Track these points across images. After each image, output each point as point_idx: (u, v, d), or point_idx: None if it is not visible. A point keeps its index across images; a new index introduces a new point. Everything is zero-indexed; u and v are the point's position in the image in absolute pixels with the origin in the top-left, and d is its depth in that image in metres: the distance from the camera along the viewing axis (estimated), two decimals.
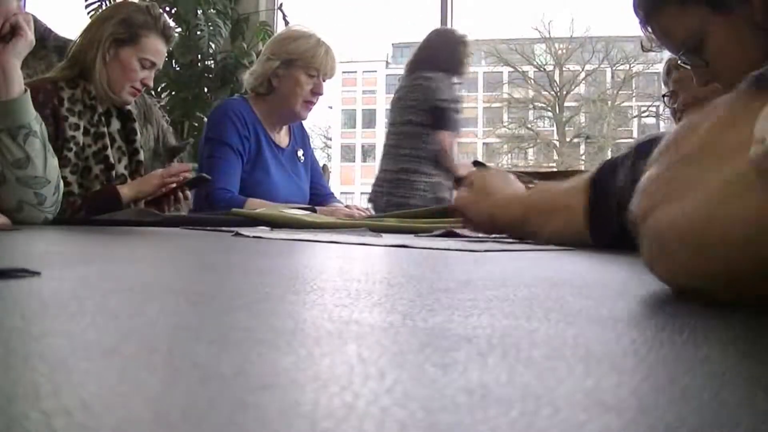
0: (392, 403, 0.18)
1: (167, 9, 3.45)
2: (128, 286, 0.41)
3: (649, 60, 17.34)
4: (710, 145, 0.41)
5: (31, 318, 0.29)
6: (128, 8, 1.87)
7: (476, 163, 1.99)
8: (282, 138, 2.39)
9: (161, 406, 0.17)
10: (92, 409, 0.16)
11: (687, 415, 0.17)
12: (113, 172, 1.83)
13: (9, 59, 1.39)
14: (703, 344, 0.27)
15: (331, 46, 2.30)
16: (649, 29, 1.23)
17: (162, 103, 2.77)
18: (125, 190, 1.76)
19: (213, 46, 3.57)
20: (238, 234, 1.11)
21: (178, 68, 3.59)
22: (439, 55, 3.22)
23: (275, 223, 1.45)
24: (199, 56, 3.58)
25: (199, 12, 3.53)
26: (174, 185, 1.81)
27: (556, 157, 19.99)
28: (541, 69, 20.71)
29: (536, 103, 21.02)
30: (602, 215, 0.96)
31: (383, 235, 1.23)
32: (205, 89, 3.60)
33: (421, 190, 3.16)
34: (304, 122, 2.49)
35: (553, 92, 20.40)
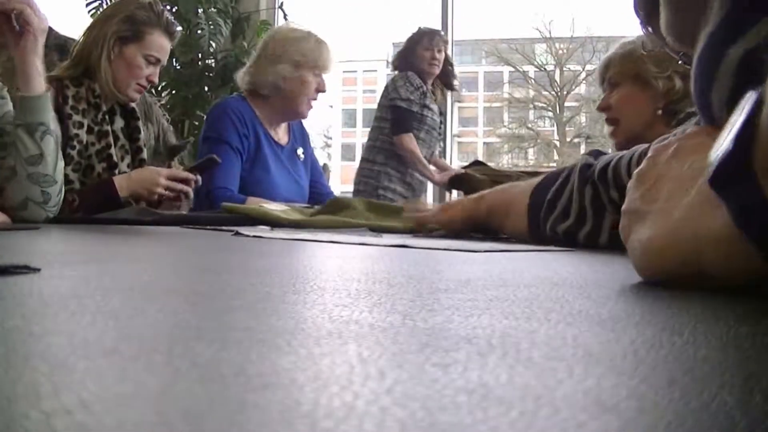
0: (392, 403, 0.18)
1: (168, 8, 3.45)
2: (128, 285, 0.41)
3: None
4: (662, 178, 0.51)
5: (31, 317, 0.29)
6: (131, 5, 1.87)
7: (476, 163, 2.01)
8: (281, 136, 2.39)
9: (161, 406, 0.17)
10: (92, 409, 0.16)
11: (687, 415, 0.17)
12: (116, 171, 1.82)
13: (23, 56, 1.40)
14: (703, 344, 0.27)
15: (326, 41, 2.33)
16: (650, 29, 1.23)
17: (162, 102, 2.78)
18: (121, 182, 1.74)
19: (213, 44, 3.57)
20: (238, 234, 1.11)
21: (178, 67, 3.58)
22: (403, 55, 3.46)
23: (274, 223, 1.45)
24: (200, 55, 3.58)
25: (200, 11, 3.53)
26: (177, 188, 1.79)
27: (556, 157, 19.98)
28: (542, 69, 20.70)
29: (537, 103, 21.02)
30: (535, 222, 1.06)
31: (383, 235, 1.23)
32: (206, 88, 3.60)
33: (365, 177, 3.42)
34: (303, 121, 2.50)
35: (553, 92, 20.39)
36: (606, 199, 0.95)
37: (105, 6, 3.30)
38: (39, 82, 1.42)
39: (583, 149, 20.31)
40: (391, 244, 0.92)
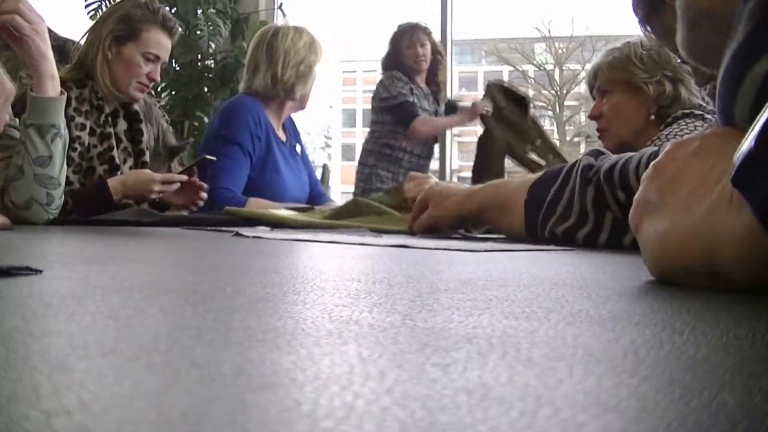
0: (392, 403, 0.18)
1: (167, 8, 3.45)
2: (128, 286, 0.41)
3: None
4: (682, 172, 0.50)
5: (31, 317, 0.29)
6: (126, 5, 1.87)
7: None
8: (281, 134, 2.40)
9: (161, 406, 0.17)
10: (92, 409, 0.16)
11: (687, 415, 0.17)
12: (118, 173, 1.82)
13: (29, 60, 1.41)
14: (703, 344, 0.27)
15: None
16: (648, 29, 1.23)
17: (162, 103, 2.77)
18: (116, 185, 1.74)
19: (213, 45, 3.57)
20: (238, 234, 1.11)
21: (177, 68, 3.58)
22: (389, 56, 3.47)
23: (274, 223, 1.45)
24: (199, 56, 3.58)
25: (199, 11, 3.53)
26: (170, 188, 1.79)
27: None
28: (541, 68, 20.70)
29: (536, 102, 21.01)
30: (533, 220, 1.05)
31: (383, 235, 1.23)
32: (205, 89, 3.60)
33: (359, 180, 3.47)
34: (300, 119, 2.54)
35: (553, 91, 20.39)
36: (612, 200, 0.94)
37: (105, 7, 3.30)
38: (51, 84, 1.43)
39: (583, 148, 20.33)
40: (391, 244, 0.92)
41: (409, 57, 3.38)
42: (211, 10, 3.56)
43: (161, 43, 1.88)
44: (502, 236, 1.18)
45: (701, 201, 0.47)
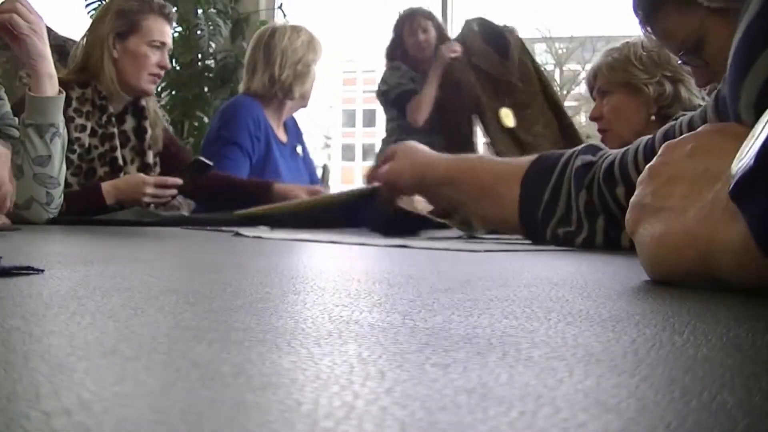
0: (392, 403, 0.18)
1: None
2: (128, 286, 0.41)
3: None
4: (675, 176, 0.50)
5: (31, 318, 0.29)
6: (118, 1, 1.86)
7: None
8: (282, 134, 2.40)
9: (161, 406, 0.17)
10: (92, 409, 0.16)
11: (687, 415, 0.17)
12: (122, 173, 1.81)
13: (27, 60, 1.41)
14: (703, 344, 0.27)
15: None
16: (649, 29, 1.23)
17: (162, 103, 2.77)
18: (109, 188, 1.72)
19: (213, 45, 3.57)
20: (238, 234, 1.11)
21: (178, 68, 3.58)
22: (392, 47, 3.31)
23: (275, 222, 1.45)
24: (199, 56, 3.58)
25: (199, 11, 3.53)
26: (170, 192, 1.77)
27: None
28: (541, 68, 20.69)
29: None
30: (531, 220, 0.99)
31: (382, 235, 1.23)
32: (205, 89, 3.60)
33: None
34: (300, 119, 2.53)
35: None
36: (610, 199, 0.92)
37: None
38: (50, 84, 1.43)
39: None
40: (391, 244, 0.92)
41: (411, 45, 3.20)
42: (211, 10, 3.55)
43: (163, 30, 1.87)
44: (503, 236, 1.16)
45: (694, 204, 0.47)
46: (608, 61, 1.99)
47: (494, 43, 3.19)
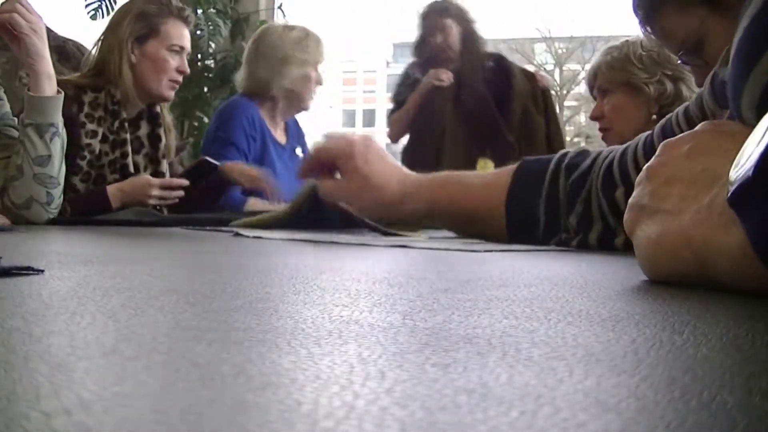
0: (392, 403, 0.18)
1: None
2: (128, 286, 0.41)
3: None
4: (673, 177, 0.50)
5: (31, 318, 0.29)
6: (137, 4, 1.83)
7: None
8: (280, 136, 2.40)
9: (161, 406, 0.17)
10: (92, 409, 0.16)
11: (687, 415, 0.17)
12: None
13: (25, 59, 1.41)
14: (703, 344, 0.27)
15: (317, 33, 2.35)
16: (649, 29, 1.23)
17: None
18: (114, 192, 1.72)
19: (213, 45, 3.57)
20: (237, 234, 1.11)
21: None
22: (418, 48, 3.05)
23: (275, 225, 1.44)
24: (199, 56, 3.57)
25: (199, 11, 3.53)
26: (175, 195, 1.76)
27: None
28: (541, 68, 20.71)
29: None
30: (521, 231, 0.96)
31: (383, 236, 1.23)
32: (205, 89, 3.60)
33: None
34: (301, 120, 2.51)
35: (553, 91, 20.40)
36: (607, 205, 0.89)
37: (105, 6, 3.29)
38: (48, 84, 1.42)
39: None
40: (391, 244, 0.92)
41: (433, 47, 2.91)
42: (211, 10, 3.55)
43: (182, 34, 1.84)
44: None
45: (690, 206, 0.47)
46: (608, 60, 1.99)
47: (496, 90, 2.84)
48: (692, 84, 1.85)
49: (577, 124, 20.51)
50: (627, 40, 1.98)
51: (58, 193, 1.48)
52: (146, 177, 1.75)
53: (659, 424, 0.17)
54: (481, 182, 1.03)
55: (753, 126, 0.40)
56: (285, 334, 0.27)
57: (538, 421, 0.17)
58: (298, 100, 2.33)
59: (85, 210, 1.64)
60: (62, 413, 0.16)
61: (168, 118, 1.93)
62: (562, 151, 0.99)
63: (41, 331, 0.26)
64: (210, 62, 3.65)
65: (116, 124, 1.78)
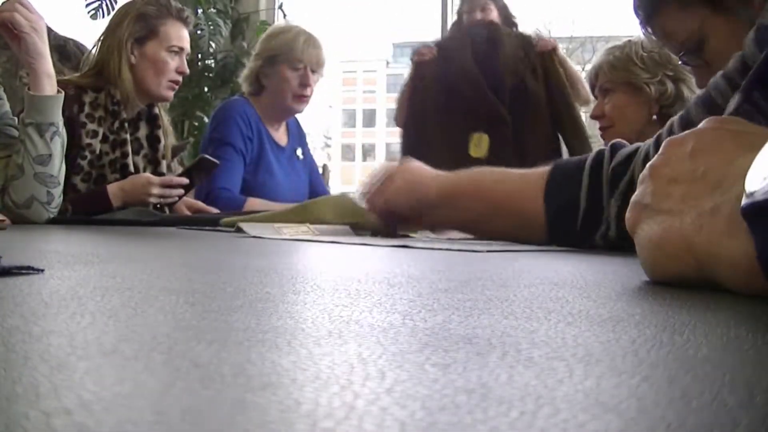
0: (392, 403, 0.18)
1: None
2: (128, 285, 0.41)
3: None
4: (675, 178, 0.49)
5: (31, 317, 0.29)
6: (137, 5, 1.83)
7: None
8: (281, 137, 2.39)
9: (161, 406, 0.17)
10: (92, 409, 0.16)
11: (687, 415, 0.17)
12: None
13: (26, 59, 1.41)
14: (703, 344, 0.27)
15: (315, 36, 2.30)
16: (649, 30, 1.23)
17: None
18: (115, 191, 1.72)
19: (213, 45, 3.57)
20: (239, 230, 1.11)
21: None
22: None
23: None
24: (199, 55, 3.58)
25: (200, 11, 3.53)
26: (174, 195, 1.76)
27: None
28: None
29: None
30: (562, 222, 0.93)
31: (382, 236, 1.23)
32: (206, 89, 3.60)
33: None
34: (301, 120, 2.50)
35: (563, 48, 20.30)
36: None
37: (105, 6, 3.30)
38: (49, 83, 1.43)
39: None
40: (391, 244, 0.92)
41: (470, 22, 2.75)
42: (212, 10, 3.56)
43: (182, 35, 1.84)
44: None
45: (691, 209, 0.47)
46: (610, 60, 1.99)
47: (485, 62, 2.65)
48: (693, 85, 1.85)
49: None
50: (629, 40, 1.98)
51: (58, 192, 1.48)
52: (147, 176, 1.75)
53: (659, 425, 0.17)
54: (512, 174, 1.02)
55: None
56: (285, 334, 0.27)
57: (538, 421, 0.17)
58: (275, 99, 2.29)
59: (86, 209, 1.64)
60: (62, 413, 0.16)
61: (166, 119, 1.94)
62: (601, 148, 0.96)
63: (41, 331, 0.26)
64: (210, 62, 3.65)
65: (116, 124, 1.78)
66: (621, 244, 0.85)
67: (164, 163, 1.87)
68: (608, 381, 0.21)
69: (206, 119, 3.43)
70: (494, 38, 2.68)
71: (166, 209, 1.79)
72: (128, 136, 1.80)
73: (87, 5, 3.38)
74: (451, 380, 0.20)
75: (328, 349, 0.24)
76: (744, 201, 0.38)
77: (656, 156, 0.53)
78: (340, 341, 0.26)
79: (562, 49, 2.82)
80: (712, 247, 0.44)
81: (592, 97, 2.27)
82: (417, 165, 1.11)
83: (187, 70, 1.87)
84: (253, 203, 2.12)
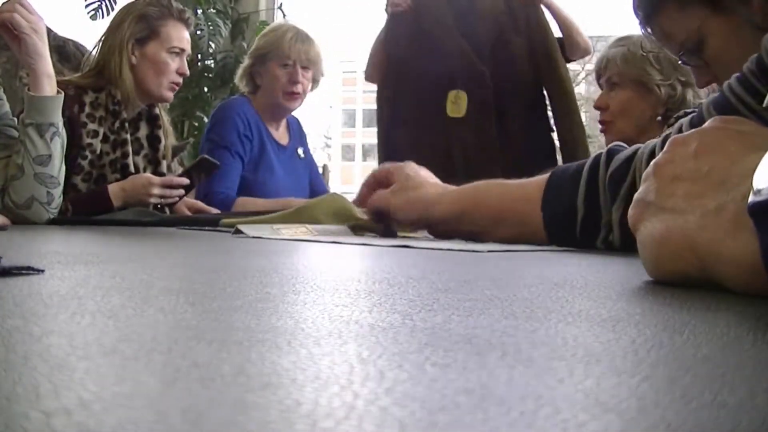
0: (392, 403, 0.18)
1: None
2: (128, 285, 0.41)
3: None
4: (679, 176, 0.49)
5: (31, 317, 0.29)
6: (138, 5, 1.84)
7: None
8: (282, 136, 2.39)
9: (161, 406, 0.17)
10: (92, 409, 0.16)
11: (687, 415, 0.17)
12: None
13: (25, 59, 1.41)
14: (703, 344, 0.27)
15: (304, 32, 2.29)
16: (649, 30, 1.23)
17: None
18: (116, 191, 1.72)
19: (213, 45, 3.57)
20: (238, 231, 1.11)
21: None
22: None
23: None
24: (199, 56, 3.57)
25: (199, 11, 3.53)
26: (175, 196, 1.76)
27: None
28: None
29: None
30: (560, 229, 0.92)
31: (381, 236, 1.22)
32: (205, 89, 3.60)
33: None
34: (301, 120, 2.50)
35: None
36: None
37: (105, 7, 3.30)
38: (48, 83, 1.43)
39: None
40: (391, 244, 0.92)
41: None
42: (211, 10, 3.55)
43: (182, 36, 1.85)
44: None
45: (695, 208, 0.46)
46: (623, 52, 1.94)
47: (461, 15, 2.44)
48: (697, 90, 1.84)
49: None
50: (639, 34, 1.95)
51: (58, 192, 1.48)
52: (147, 176, 1.75)
53: (660, 425, 0.17)
54: (515, 183, 1.03)
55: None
56: (285, 334, 0.27)
57: (538, 421, 0.17)
58: (268, 96, 2.29)
59: (87, 209, 1.64)
60: (62, 413, 0.16)
61: (166, 120, 1.94)
62: (597, 153, 0.96)
63: (41, 331, 0.26)
64: (210, 62, 3.65)
65: (117, 124, 1.79)
66: (624, 249, 0.84)
67: (164, 163, 1.87)
68: (608, 381, 0.21)
69: (206, 119, 3.43)
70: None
71: (167, 209, 1.79)
72: (129, 136, 1.80)
73: (87, 6, 3.38)
74: (450, 380, 0.20)
75: (328, 349, 0.24)
76: (751, 198, 0.38)
77: (660, 154, 0.53)
78: (340, 341, 0.26)
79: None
80: (714, 247, 0.44)
81: (591, 47, 2.21)
82: (416, 179, 1.10)
83: (188, 72, 1.88)
84: (245, 202, 2.12)
